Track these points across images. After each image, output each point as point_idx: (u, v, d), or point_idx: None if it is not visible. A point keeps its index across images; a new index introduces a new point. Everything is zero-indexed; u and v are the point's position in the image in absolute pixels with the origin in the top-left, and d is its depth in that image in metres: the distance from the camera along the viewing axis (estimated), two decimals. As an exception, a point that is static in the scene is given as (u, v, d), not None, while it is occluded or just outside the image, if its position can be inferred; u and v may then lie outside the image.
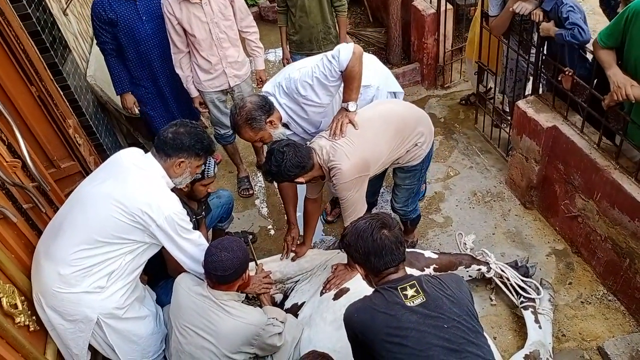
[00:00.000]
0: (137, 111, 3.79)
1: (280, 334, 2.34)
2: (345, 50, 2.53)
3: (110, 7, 3.35)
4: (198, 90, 3.64)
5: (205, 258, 2.21)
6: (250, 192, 4.10)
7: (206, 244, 2.38)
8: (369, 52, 5.36)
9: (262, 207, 4.01)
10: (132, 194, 2.14)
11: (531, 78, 3.49)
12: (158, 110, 3.84)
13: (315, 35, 3.91)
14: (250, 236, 3.64)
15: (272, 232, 3.79)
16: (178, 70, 3.55)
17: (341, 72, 2.57)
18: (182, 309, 2.28)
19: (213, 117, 3.78)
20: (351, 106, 2.61)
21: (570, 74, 3.00)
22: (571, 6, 2.97)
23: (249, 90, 3.76)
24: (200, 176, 2.64)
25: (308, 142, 2.67)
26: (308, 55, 4.00)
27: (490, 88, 4.23)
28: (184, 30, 3.33)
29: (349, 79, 2.60)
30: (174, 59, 3.52)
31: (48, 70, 3.07)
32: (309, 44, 3.95)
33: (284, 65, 4.13)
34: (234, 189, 4.11)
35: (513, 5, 3.22)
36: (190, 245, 2.30)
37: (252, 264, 2.87)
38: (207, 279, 2.24)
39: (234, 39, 3.49)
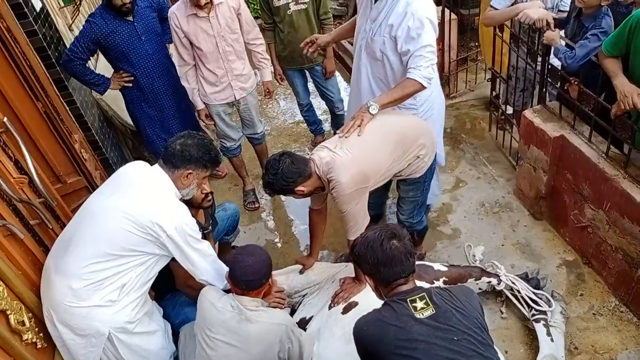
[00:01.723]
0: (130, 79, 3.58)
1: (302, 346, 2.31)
2: (430, 72, 2.63)
3: (108, 30, 3.32)
4: (204, 103, 3.64)
5: (232, 266, 2.20)
6: (256, 205, 4.09)
7: (215, 255, 2.38)
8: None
9: (269, 221, 4.00)
10: (142, 205, 2.14)
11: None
12: (159, 133, 3.81)
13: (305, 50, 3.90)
14: None
15: (279, 245, 3.77)
16: (184, 83, 3.56)
17: (408, 76, 2.64)
18: (208, 321, 2.25)
19: (219, 129, 3.79)
20: (373, 108, 2.61)
21: (576, 83, 2.99)
22: (606, 31, 2.83)
23: (254, 103, 3.77)
24: None
25: (308, 155, 2.66)
26: (300, 70, 4.02)
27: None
28: (191, 43, 3.35)
29: (397, 89, 2.66)
30: (180, 72, 3.53)
31: (54, 86, 3.10)
32: (299, 59, 3.93)
33: (278, 82, 4.15)
34: (240, 202, 4.10)
35: (519, 15, 3.20)
36: (200, 255, 2.29)
37: None
38: (235, 287, 2.22)
39: (240, 52, 3.50)
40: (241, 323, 2.20)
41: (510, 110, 4.11)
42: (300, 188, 2.50)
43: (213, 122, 3.77)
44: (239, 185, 4.23)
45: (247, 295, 2.23)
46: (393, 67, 2.84)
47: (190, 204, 2.69)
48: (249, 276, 2.17)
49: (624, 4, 2.98)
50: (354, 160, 2.50)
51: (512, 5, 3.38)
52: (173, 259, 2.32)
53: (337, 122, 4.43)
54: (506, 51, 3.75)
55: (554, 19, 3.11)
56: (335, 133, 4.15)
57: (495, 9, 3.44)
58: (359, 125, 2.59)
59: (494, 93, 4.32)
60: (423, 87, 2.67)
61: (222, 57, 3.42)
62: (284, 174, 2.43)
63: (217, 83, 3.51)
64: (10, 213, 2.11)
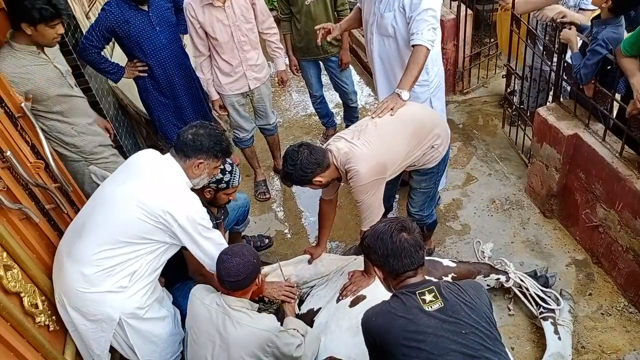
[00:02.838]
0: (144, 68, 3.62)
1: (299, 345, 2.30)
2: (431, 35, 2.74)
3: (123, 19, 3.33)
4: (218, 94, 3.66)
5: (217, 265, 2.20)
6: (267, 196, 4.11)
7: (226, 244, 2.39)
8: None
9: (279, 211, 4.02)
10: (154, 194, 2.16)
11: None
12: (172, 122, 3.83)
13: (322, 40, 3.90)
14: (267, 240, 3.65)
15: (289, 236, 3.79)
16: (199, 73, 3.59)
17: (412, 43, 2.76)
18: (196, 318, 2.28)
19: (233, 120, 3.81)
20: (405, 95, 2.69)
21: (592, 81, 2.96)
22: (601, 43, 2.75)
23: (268, 93, 3.79)
24: (225, 185, 2.67)
25: (325, 145, 2.68)
26: (315, 61, 4.03)
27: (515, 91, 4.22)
28: (206, 34, 3.37)
29: (411, 65, 2.74)
30: (195, 62, 3.56)
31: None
32: (315, 50, 3.94)
33: (293, 73, 4.16)
34: (251, 193, 4.12)
35: (537, 14, 3.18)
36: (211, 244, 2.31)
37: (278, 272, 2.90)
38: (220, 286, 2.24)
39: (255, 42, 3.52)
40: (225, 323, 2.21)
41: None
42: (318, 179, 2.52)
43: (227, 113, 3.79)
44: (251, 175, 4.25)
45: (232, 295, 2.23)
46: (402, 41, 2.95)
47: (215, 204, 2.72)
48: (232, 277, 2.16)
49: None
50: (373, 151, 2.51)
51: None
52: (186, 247, 2.35)
53: (350, 114, 4.43)
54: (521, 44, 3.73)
55: (575, 24, 3.05)
56: (347, 126, 4.17)
57: None
58: (392, 109, 2.66)
59: (508, 89, 4.30)
60: (429, 51, 2.77)
61: (237, 47, 3.44)
62: (303, 165, 2.45)
63: (231, 73, 3.53)
64: (26, 197, 2.15)
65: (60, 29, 2.63)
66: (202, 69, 3.55)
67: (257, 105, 3.81)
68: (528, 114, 3.94)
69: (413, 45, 2.77)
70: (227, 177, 2.66)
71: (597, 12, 2.94)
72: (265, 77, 3.72)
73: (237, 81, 3.58)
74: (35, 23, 2.52)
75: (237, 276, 2.17)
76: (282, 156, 3.85)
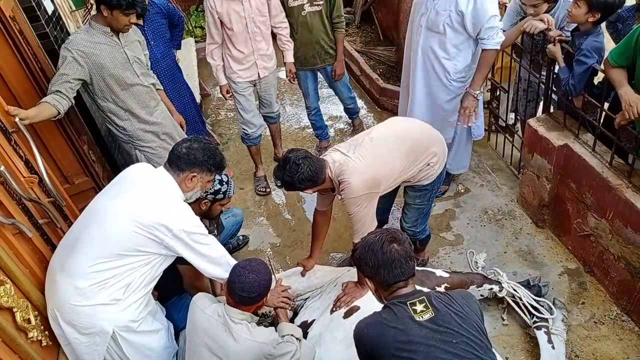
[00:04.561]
0: None
1: (294, 352, 2.31)
2: (500, 37, 3.04)
3: None
4: (228, 81, 3.85)
5: (232, 277, 2.21)
6: (268, 190, 4.22)
7: (223, 249, 2.41)
8: (379, 70, 5.42)
9: (272, 224, 4.02)
10: (149, 207, 2.17)
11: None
12: None
13: (318, 50, 4.00)
14: (242, 237, 3.72)
15: (282, 249, 3.79)
16: (209, 59, 3.79)
17: (483, 47, 3.08)
18: (196, 328, 2.28)
19: (241, 116, 3.98)
20: (479, 94, 2.96)
21: (581, 92, 3.00)
22: (585, 53, 2.85)
23: (274, 83, 4.01)
24: (222, 196, 2.70)
25: (322, 155, 2.70)
26: (312, 71, 4.11)
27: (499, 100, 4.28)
28: (222, 24, 3.58)
29: (483, 66, 3.12)
30: (207, 49, 3.76)
31: (65, 88, 3.13)
32: (312, 59, 4.04)
33: (290, 82, 4.23)
34: (244, 205, 4.14)
35: (523, 25, 3.22)
36: (209, 249, 2.32)
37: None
38: (229, 296, 2.24)
39: (266, 34, 3.74)
40: (225, 334, 2.21)
41: (511, 119, 4.14)
42: (308, 191, 2.58)
43: (232, 99, 3.92)
44: (245, 188, 4.25)
45: (237, 307, 2.24)
46: (451, 39, 3.16)
47: (208, 215, 2.74)
48: (244, 292, 2.18)
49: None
50: (366, 165, 2.54)
51: (517, 22, 3.42)
52: (180, 261, 2.34)
53: (350, 112, 4.62)
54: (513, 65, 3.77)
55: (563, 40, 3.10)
56: (351, 119, 4.50)
57: (504, 31, 3.47)
58: (472, 112, 3.04)
59: (494, 103, 4.35)
60: (497, 51, 3.15)
61: (250, 37, 3.64)
62: (300, 180, 2.49)
63: (243, 61, 3.74)
64: (20, 212, 2.15)
65: (134, 19, 2.98)
66: (212, 55, 3.76)
67: (263, 93, 3.99)
68: (515, 124, 3.98)
69: (484, 49, 3.07)
70: (224, 188, 2.69)
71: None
72: (273, 67, 3.91)
73: (248, 69, 3.79)
74: (113, 8, 2.86)
75: (249, 292, 2.18)
76: (282, 147, 4.27)
